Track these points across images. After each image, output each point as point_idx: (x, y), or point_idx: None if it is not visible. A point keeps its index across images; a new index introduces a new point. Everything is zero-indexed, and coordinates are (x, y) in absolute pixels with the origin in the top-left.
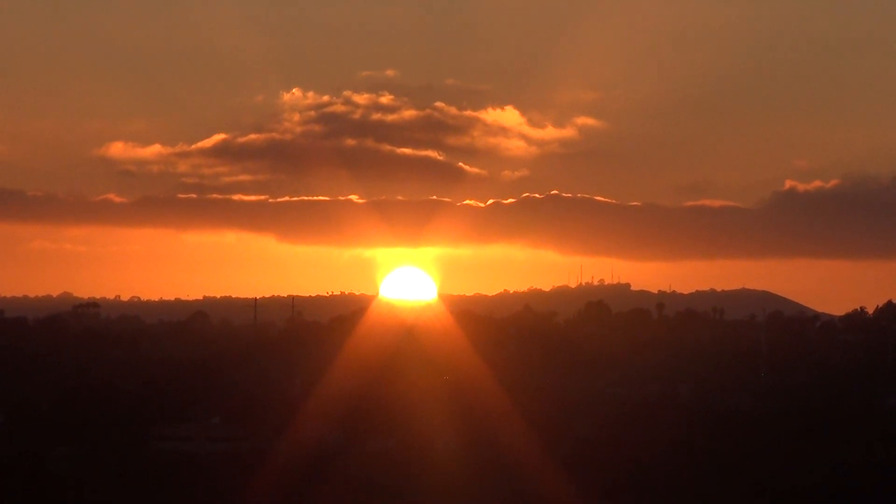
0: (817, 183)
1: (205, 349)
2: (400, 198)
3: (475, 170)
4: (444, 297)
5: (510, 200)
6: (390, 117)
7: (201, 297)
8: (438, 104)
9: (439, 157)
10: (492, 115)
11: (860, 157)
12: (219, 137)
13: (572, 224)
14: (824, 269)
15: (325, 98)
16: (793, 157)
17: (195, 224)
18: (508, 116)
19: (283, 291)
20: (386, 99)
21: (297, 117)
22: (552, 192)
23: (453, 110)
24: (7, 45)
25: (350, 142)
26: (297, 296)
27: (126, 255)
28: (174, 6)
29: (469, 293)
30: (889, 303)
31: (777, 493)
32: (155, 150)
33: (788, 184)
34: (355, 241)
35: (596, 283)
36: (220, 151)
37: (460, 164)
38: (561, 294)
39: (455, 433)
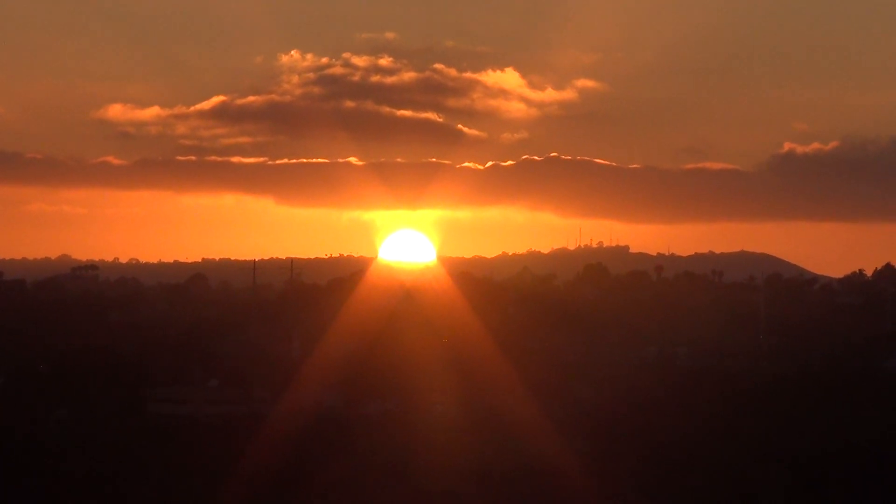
0: (816, 145)
1: (203, 312)
2: (399, 160)
3: (474, 132)
4: (443, 260)
5: (509, 163)
6: (389, 79)
7: (200, 260)
8: (438, 66)
9: (439, 120)
10: (492, 78)
11: (859, 119)
12: (217, 99)
13: (571, 186)
14: (823, 231)
15: (324, 60)
16: (792, 119)
17: (194, 186)
18: (508, 78)
19: (282, 254)
20: (385, 61)
21: (295, 79)
22: (551, 155)
23: (453, 72)
24: (5, 6)
25: (349, 104)
26: (296, 258)
27: (125, 217)
28: None
29: (468, 255)
30: (888, 265)
31: (775, 456)
32: (153, 112)
33: (787, 146)
34: (354, 204)
35: (595, 245)
36: (218, 113)
37: (459, 126)
38: (560, 256)
39: (454, 395)
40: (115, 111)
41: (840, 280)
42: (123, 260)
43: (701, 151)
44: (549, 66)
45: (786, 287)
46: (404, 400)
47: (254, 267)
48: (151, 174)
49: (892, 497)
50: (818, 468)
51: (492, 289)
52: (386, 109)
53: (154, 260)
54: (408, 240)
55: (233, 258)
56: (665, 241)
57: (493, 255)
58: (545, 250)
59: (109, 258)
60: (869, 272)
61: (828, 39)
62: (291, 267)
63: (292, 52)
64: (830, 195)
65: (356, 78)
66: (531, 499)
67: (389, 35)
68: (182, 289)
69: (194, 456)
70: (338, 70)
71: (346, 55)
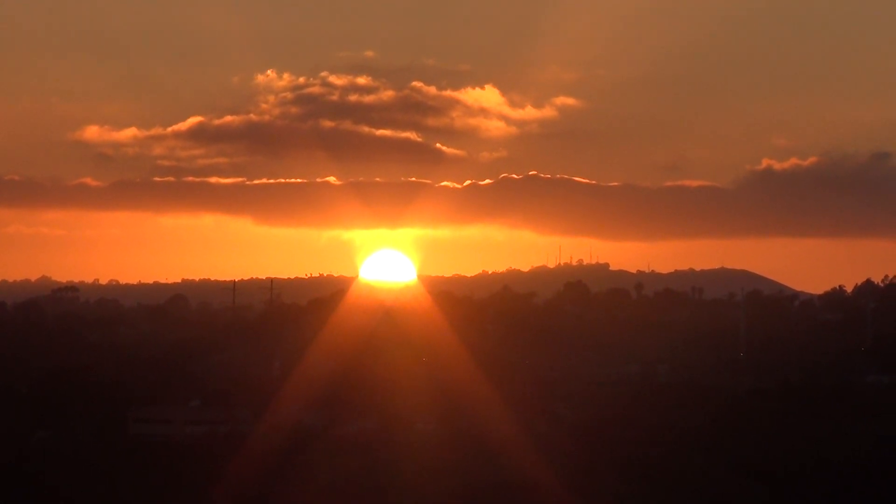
0: (794, 161)
1: (183, 332)
2: (378, 179)
3: (454, 151)
4: (423, 279)
5: (487, 181)
6: (368, 98)
7: (179, 280)
8: (417, 84)
9: (418, 139)
10: (471, 95)
11: (838, 135)
12: (194, 120)
13: (551, 204)
14: (803, 247)
15: (302, 80)
16: (770, 135)
17: (172, 207)
18: (488, 96)
19: (262, 274)
20: (364, 80)
21: (272, 99)
22: (531, 173)
23: (432, 90)
24: None
25: (327, 123)
26: (276, 278)
27: (103, 238)
28: None
29: (448, 274)
30: (867, 281)
31: (756, 471)
32: (131, 133)
33: (766, 162)
34: (333, 223)
35: (575, 263)
36: (195, 134)
37: (438, 145)
38: (540, 274)
39: (434, 414)
40: (92, 132)
41: (820, 296)
42: (103, 281)
43: (680, 169)
44: (528, 83)
45: (766, 304)
46: (385, 419)
47: (233, 287)
48: (129, 195)
49: None
50: (800, 483)
51: (472, 307)
52: (365, 129)
53: (134, 281)
54: (388, 259)
55: (212, 279)
56: (645, 259)
57: (472, 274)
58: (525, 268)
59: (89, 279)
60: (849, 288)
61: (805, 56)
62: (271, 287)
63: (269, 72)
64: (810, 211)
65: (334, 97)
66: None
67: (368, 53)
68: (162, 310)
69: (176, 476)
70: (316, 89)
71: (323, 74)
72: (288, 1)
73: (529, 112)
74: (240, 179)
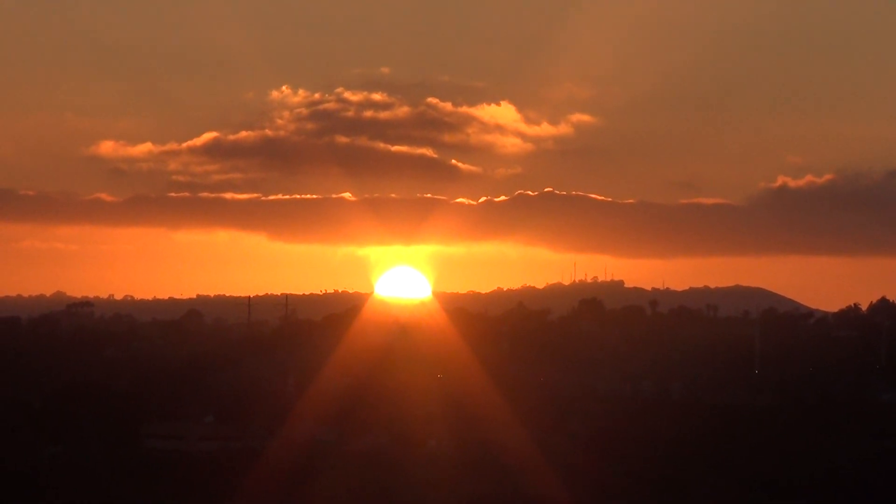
0: (809, 178)
1: (198, 348)
2: (393, 196)
3: (469, 167)
4: (437, 295)
5: (502, 198)
6: (384, 114)
7: (194, 296)
8: (432, 101)
9: (433, 155)
10: (487, 112)
11: (853, 152)
12: (210, 135)
13: (566, 221)
14: (818, 265)
15: (317, 96)
16: (786, 152)
17: (187, 223)
18: (504, 112)
19: (277, 290)
20: (379, 96)
21: (287, 115)
22: (546, 190)
23: (448, 107)
24: None
25: (343, 139)
26: (291, 294)
27: (118, 254)
28: (164, 3)
29: (463, 291)
30: (882, 299)
31: (770, 488)
32: (145, 148)
33: (781, 180)
34: (348, 240)
35: (589, 280)
36: (210, 149)
37: (454, 161)
38: (554, 291)
39: (448, 430)
40: (107, 147)
41: (835, 314)
42: (118, 296)
43: (695, 186)
44: (544, 100)
45: (781, 321)
46: (399, 434)
47: (248, 303)
48: (144, 211)
49: None
50: (813, 499)
51: (486, 324)
52: (380, 145)
53: (149, 296)
54: (403, 275)
55: (227, 294)
56: (660, 276)
57: (487, 291)
58: (540, 285)
59: (104, 295)
60: (864, 306)
61: (821, 72)
62: (286, 303)
63: (284, 88)
64: (825, 229)
65: (350, 113)
66: None
67: (383, 70)
68: (177, 325)
69: (188, 491)
70: (331, 105)
71: (339, 90)
72: (303, 17)
73: (545, 129)
74: (255, 195)
